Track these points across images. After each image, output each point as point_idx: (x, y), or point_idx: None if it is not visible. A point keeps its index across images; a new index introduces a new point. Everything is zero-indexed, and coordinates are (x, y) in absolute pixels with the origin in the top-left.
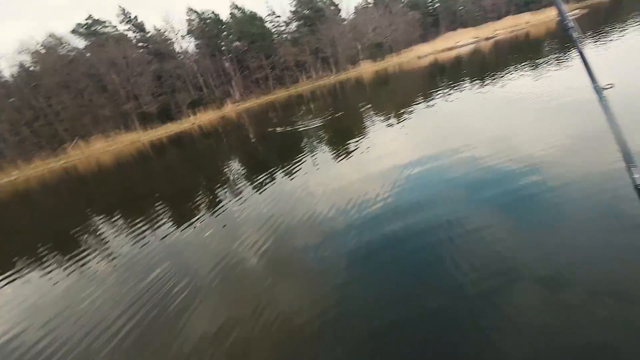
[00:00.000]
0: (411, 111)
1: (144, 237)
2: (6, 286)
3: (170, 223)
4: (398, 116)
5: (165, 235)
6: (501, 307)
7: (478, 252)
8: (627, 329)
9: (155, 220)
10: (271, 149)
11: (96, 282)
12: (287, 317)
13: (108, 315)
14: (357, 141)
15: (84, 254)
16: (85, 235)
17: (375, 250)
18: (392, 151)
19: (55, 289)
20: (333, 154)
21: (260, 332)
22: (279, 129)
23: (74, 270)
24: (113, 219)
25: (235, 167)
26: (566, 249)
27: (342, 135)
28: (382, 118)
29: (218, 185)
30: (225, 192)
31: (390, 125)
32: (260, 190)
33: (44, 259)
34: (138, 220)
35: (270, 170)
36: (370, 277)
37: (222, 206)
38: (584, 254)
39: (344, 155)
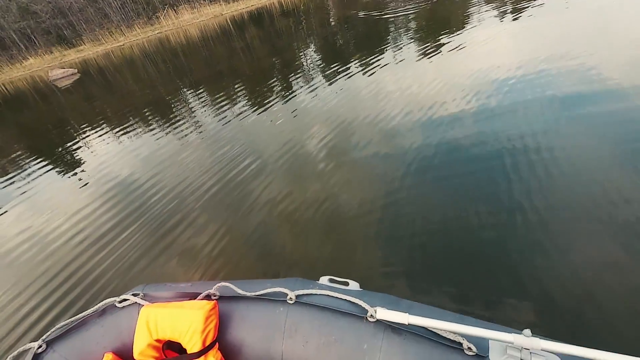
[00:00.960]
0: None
1: (225, 113)
2: (123, 136)
3: (247, 103)
4: (516, 5)
5: (242, 113)
6: (555, 243)
7: (548, 183)
8: None
9: (234, 99)
10: (350, 36)
11: (187, 145)
12: (339, 207)
13: (195, 173)
14: (450, 35)
15: (178, 119)
16: (179, 104)
17: (438, 162)
18: (489, 52)
19: (158, 145)
20: (418, 48)
21: (313, 214)
22: (361, 13)
23: (170, 133)
24: (199, 92)
25: (310, 53)
26: None
27: (435, 27)
28: (494, 7)
29: (292, 71)
30: (299, 79)
31: (502, 17)
32: (332, 82)
33: (150, 119)
34: (220, 96)
35: (345, 60)
36: (426, 187)
37: (295, 93)
38: None
39: (431, 52)
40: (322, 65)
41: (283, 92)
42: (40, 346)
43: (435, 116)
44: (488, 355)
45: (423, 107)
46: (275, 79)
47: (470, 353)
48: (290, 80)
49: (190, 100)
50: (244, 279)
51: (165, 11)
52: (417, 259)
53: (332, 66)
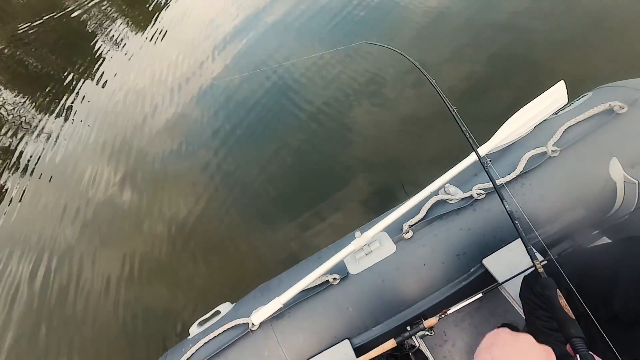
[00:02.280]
0: None
1: None
2: None
3: None
4: None
5: None
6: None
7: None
8: None
9: None
10: (42, 52)
11: None
12: (186, 217)
13: None
14: (158, 13)
15: None
16: None
17: (228, 123)
18: (200, 14)
19: None
20: (136, 32)
21: (173, 243)
22: (25, 25)
23: None
24: None
25: None
26: None
27: (136, 5)
28: None
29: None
30: (16, 137)
31: None
32: (68, 115)
33: None
34: None
35: (60, 83)
36: (237, 148)
37: (25, 156)
38: None
39: (153, 31)
40: (37, 103)
41: (6, 166)
42: None
43: (206, 83)
44: (348, 272)
45: (188, 81)
46: None
47: (336, 282)
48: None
49: None
50: None
51: None
52: (278, 206)
53: (53, 99)
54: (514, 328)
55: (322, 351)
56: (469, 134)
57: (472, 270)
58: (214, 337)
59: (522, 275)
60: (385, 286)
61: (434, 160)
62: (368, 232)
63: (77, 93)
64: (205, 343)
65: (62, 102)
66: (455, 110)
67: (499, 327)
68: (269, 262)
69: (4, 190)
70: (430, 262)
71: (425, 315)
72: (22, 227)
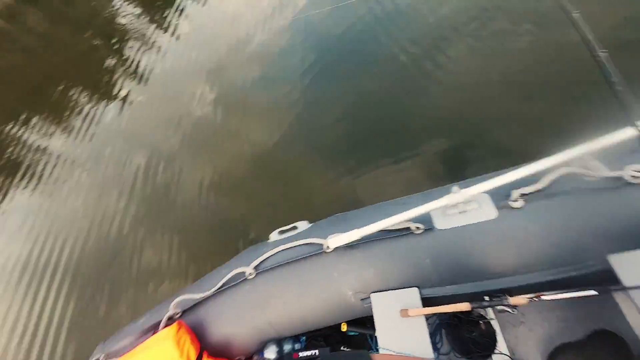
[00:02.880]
0: None
1: (75, 125)
2: None
3: (96, 104)
4: None
5: (89, 117)
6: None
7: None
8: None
9: (76, 108)
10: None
11: (68, 185)
12: (257, 151)
13: (100, 201)
14: None
15: (33, 169)
16: (19, 151)
17: (316, 59)
18: None
19: (38, 204)
20: None
21: (237, 171)
22: None
23: (37, 187)
24: (30, 124)
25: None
26: None
27: None
28: None
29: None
30: (131, 45)
31: None
32: (174, 32)
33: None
34: (57, 113)
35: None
36: (318, 82)
37: (138, 64)
38: None
39: None
40: (150, 17)
41: (124, 70)
42: None
43: (297, 12)
44: (434, 225)
45: (280, 8)
46: (105, 58)
47: (420, 231)
48: (120, 51)
49: (25, 137)
50: (216, 264)
51: None
52: (344, 148)
53: (161, 14)
54: (618, 338)
55: (389, 289)
56: (625, 97)
57: (590, 263)
58: (291, 247)
59: None
60: (472, 249)
61: (556, 131)
62: (467, 189)
63: (182, 10)
64: (282, 250)
65: (169, 18)
66: (604, 54)
67: (597, 331)
68: (331, 199)
69: (120, 93)
70: (537, 240)
71: (511, 291)
72: (137, 128)
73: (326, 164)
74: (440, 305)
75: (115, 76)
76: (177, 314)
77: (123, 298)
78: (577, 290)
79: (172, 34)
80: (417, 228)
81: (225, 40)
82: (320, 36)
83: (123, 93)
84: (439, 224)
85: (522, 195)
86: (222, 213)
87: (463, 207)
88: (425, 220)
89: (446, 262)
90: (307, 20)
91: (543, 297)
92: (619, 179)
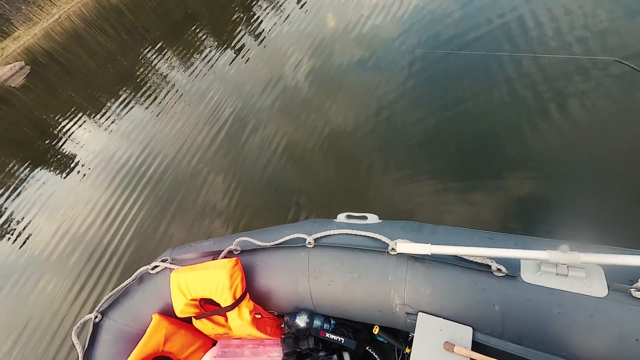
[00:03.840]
0: None
1: (195, 65)
2: (102, 120)
3: (214, 48)
4: None
5: (211, 60)
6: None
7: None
8: None
9: (199, 48)
10: None
11: (169, 109)
12: (340, 131)
13: (187, 135)
14: None
15: (151, 86)
16: (146, 70)
17: (422, 57)
18: None
19: (142, 118)
20: None
21: (316, 144)
22: None
23: (148, 102)
24: (162, 52)
25: None
26: None
27: None
28: None
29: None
30: (259, 4)
31: None
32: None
33: (122, 95)
34: (183, 49)
35: None
36: (415, 86)
37: (258, 23)
38: None
39: None
40: None
41: (246, 25)
42: (96, 316)
43: (411, 7)
44: (520, 274)
45: (400, 9)
46: (235, 12)
47: (500, 274)
48: (250, 8)
49: (155, 63)
50: (265, 224)
51: None
52: (426, 161)
53: None
54: None
55: (441, 317)
56: None
57: None
58: (357, 234)
59: None
60: (557, 319)
61: None
62: (580, 254)
63: None
64: (347, 234)
65: None
66: None
67: None
68: (396, 202)
69: (237, 46)
70: None
71: None
72: (240, 79)
73: (399, 168)
74: (492, 357)
75: (238, 29)
76: (237, 251)
77: (182, 221)
78: None
79: (299, 1)
80: (499, 270)
81: (341, 18)
82: (435, 43)
83: (239, 46)
84: (527, 276)
85: None
86: (287, 180)
87: (565, 269)
88: (512, 265)
89: (518, 317)
90: (429, 20)
91: None
92: None
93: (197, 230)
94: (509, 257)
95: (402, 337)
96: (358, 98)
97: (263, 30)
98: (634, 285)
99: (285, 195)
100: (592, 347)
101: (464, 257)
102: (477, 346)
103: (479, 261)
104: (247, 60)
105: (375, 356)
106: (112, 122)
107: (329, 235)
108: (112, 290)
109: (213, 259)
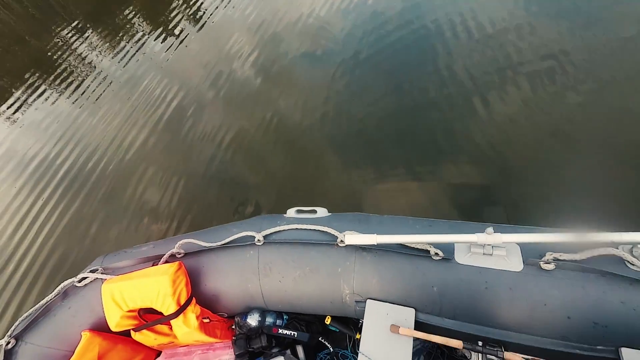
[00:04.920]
0: None
1: (125, 49)
2: (15, 114)
3: (147, 30)
4: None
5: (145, 44)
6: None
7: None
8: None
9: (130, 30)
10: None
11: (97, 99)
12: (289, 121)
13: (121, 127)
14: None
15: (73, 73)
16: (64, 54)
17: (368, 47)
18: None
19: (63, 108)
20: None
21: (264, 136)
22: None
23: (70, 91)
24: (84, 31)
25: None
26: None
27: None
28: None
29: None
30: None
31: None
32: None
33: (37, 83)
34: (111, 30)
35: None
36: (363, 74)
37: (200, 5)
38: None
39: None
40: None
41: (185, 7)
42: (8, 342)
43: (359, 6)
44: (454, 257)
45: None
46: None
47: (437, 258)
48: None
49: (76, 45)
50: (212, 222)
51: None
52: (374, 150)
53: None
54: None
55: (387, 302)
56: None
57: (599, 347)
58: (306, 229)
59: None
60: (484, 293)
61: (602, 198)
62: (501, 235)
63: None
64: (297, 229)
65: None
66: None
67: None
68: (347, 194)
69: (175, 30)
70: (553, 308)
71: (506, 346)
72: (178, 67)
73: (349, 158)
74: (432, 334)
75: (176, 11)
76: (180, 254)
77: (116, 224)
78: None
79: None
80: (437, 254)
81: (286, 6)
82: (379, 33)
83: (177, 30)
84: (460, 257)
85: (556, 259)
86: (235, 173)
87: (490, 249)
88: (447, 249)
89: (453, 296)
90: (374, 12)
91: None
92: None
93: (133, 233)
94: (444, 242)
95: (352, 324)
96: (306, 88)
97: (204, 13)
98: (543, 259)
99: (233, 190)
100: (512, 315)
101: (407, 244)
102: (419, 325)
103: (419, 247)
104: (187, 46)
105: (328, 345)
106: (23, 114)
107: (279, 231)
108: (30, 309)
109: (153, 265)
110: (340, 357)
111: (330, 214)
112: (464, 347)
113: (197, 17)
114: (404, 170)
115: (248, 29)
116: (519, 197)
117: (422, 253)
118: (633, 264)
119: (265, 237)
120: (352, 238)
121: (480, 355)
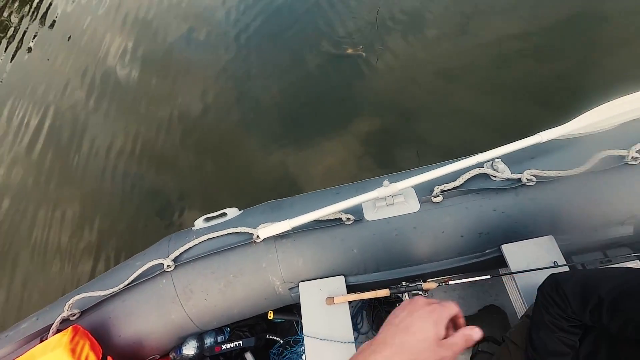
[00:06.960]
0: None
1: None
2: None
3: None
4: None
5: None
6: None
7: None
8: None
9: None
10: None
11: None
12: (187, 118)
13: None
14: None
15: None
16: None
17: (259, 21)
18: None
19: None
20: None
21: (164, 139)
22: None
23: None
24: None
25: None
26: None
27: None
28: None
29: None
30: None
31: None
32: None
33: None
34: None
35: None
36: (256, 48)
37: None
38: None
39: None
40: None
41: (20, 3)
42: None
43: None
44: (363, 217)
45: None
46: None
47: (350, 222)
48: None
49: None
50: (142, 244)
51: None
52: (285, 124)
53: None
54: (500, 310)
55: (318, 278)
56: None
57: (487, 251)
58: (218, 236)
59: (539, 272)
60: (396, 240)
61: (472, 126)
62: (397, 184)
63: None
64: (208, 239)
65: None
66: None
67: (487, 306)
68: (263, 178)
69: (16, 31)
70: (449, 232)
71: (425, 277)
72: (30, 77)
73: (266, 139)
74: (364, 291)
75: (7, 9)
76: (74, 315)
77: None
78: (476, 275)
79: None
80: (348, 219)
81: None
82: (262, 2)
83: (19, 33)
84: (369, 215)
85: (443, 191)
86: (152, 186)
87: (391, 199)
88: (357, 211)
89: (371, 252)
90: None
91: (450, 282)
92: (518, 180)
93: (14, 307)
94: (352, 205)
95: (296, 309)
96: (200, 76)
97: (50, 8)
98: (432, 194)
99: (156, 203)
100: (422, 250)
101: (320, 219)
102: (351, 289)
103: (332, 217)
104: (39, 53)
105: (277, 339)
106: None
107: (189, 248)
108: None
109: (41, 341)
110: (293, 343)
111: (241, 211)
112: (391, 293)
113: (42, 13)
114: (322, 138)
115: (113, 19)
116: (423, 133)
117: (335, 222)
118: (495, 177)
119: (175, 259)
120: (267, 230)
121: (407, 294)
